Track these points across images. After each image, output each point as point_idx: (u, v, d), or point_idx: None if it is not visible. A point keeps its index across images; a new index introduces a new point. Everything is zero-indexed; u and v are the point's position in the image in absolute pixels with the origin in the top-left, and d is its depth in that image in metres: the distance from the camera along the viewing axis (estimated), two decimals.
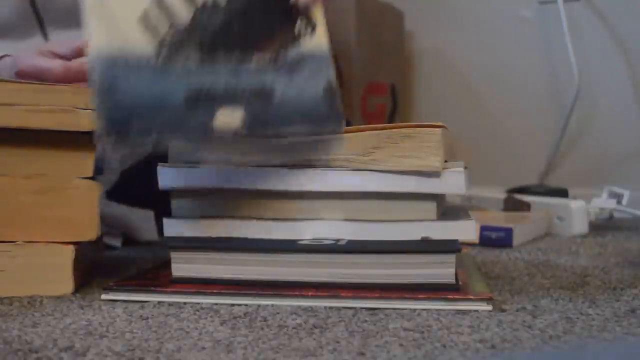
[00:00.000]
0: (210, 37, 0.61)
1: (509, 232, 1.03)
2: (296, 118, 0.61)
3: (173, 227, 0.66)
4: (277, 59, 0.62)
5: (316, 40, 0.63)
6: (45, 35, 0.97)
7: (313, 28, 0.63)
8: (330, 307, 0.60)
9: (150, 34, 0.59)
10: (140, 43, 0.59)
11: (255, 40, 0.62)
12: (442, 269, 0.61)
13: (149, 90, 0.58)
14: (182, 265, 0.64)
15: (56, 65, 0.78)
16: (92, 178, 0.66)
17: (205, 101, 0.59)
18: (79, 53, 0.80)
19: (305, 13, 0.64)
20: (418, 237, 0.62)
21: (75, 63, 0.79)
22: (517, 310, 0.60)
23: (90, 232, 0.66)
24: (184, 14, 0.61)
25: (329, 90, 0.62)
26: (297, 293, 0.61)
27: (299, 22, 0.63)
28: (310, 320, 0.55)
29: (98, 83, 0.58)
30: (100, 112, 0.57)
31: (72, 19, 0.94)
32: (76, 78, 0.80)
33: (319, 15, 0.64)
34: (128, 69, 0.58)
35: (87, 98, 0.65)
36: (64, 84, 0.68)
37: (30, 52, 0.81)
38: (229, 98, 0.60)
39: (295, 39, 0.63)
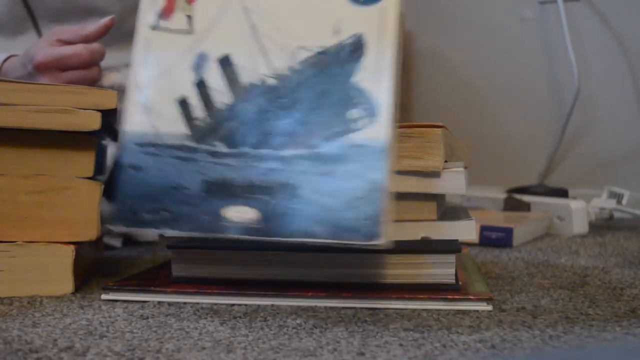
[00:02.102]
0: (243, 125, 0.57)
1: (509, 232, 1.03)
2: (321, 226, 0.53)
3: None
4: (317, 150, 0.55)
5: (374, 128, 0.54)
6: (39, 31, 0.97)
7: (373, 117, 0.55)
8: (330, 307, 0.60)
9: (185, 117, 0.58)
10: (173, 124, 0.58)
11: (296, 127, 0.56)
12: (442, 269, 0.61)
13: (171, 172, 0.57)
14: (182, 265, 0.64)
15: (80, 49, 0.80)
16: (92, 178, 0.67)
17: (223, 192, 0.56)
18: (86, 39, 0.81)
19: (367, 99, 0.55)
20: (418, 237, 0.62)
21: (95, 45, 0.81)
22: (517, 310, 0.60)
23: (90, 232, 0.66)
24: (224, 99, 0.58)
25: (372, 194, 0.53)
26: (297, 293, 0.61)
27: (358, 108, 0.55)
28: (310, 320, 0.55)
29: (124, 161, 0.58)
30: (118, 190, 0.58)
31: (66, 14, 0.94)
32: (98, 59, 0.82)
33: (386, 104, 0.55)
34: (156, 149, 0.58)
35: (87, 98, 0.65)
36: (63, 84, 0.69)
37: (38, 45, 0.81)
38: (248, 191, 0.56)
39: (347, 125, 0.55)
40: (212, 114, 0.58)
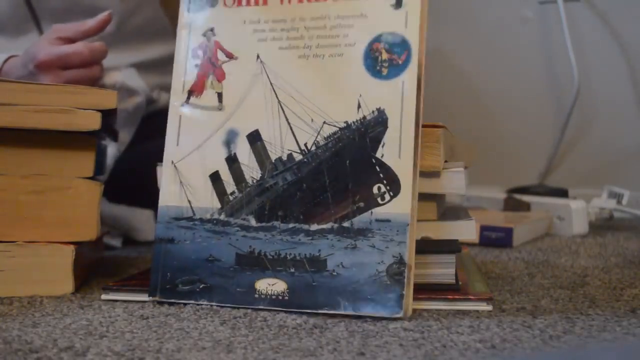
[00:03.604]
0: (271, 199, 0.60)
1: (509, 232, 1.03)
2: (345, 298, 0.56)
3: None
4: (343, 224, 0.58)
5: (397, 204, 0.57)
6: (41, 32, 0.97)
7: (397, 192, 0.57)
8: None
9: (217, 191, 0.61)
10: (206, 199, 0.61)
11: (322, 202, 0.59)
12: (442, 269, 0.61)
13: (205, 245, 0.60)
14: None
15: (80, 47, 0.80)
16: (92, 178, 0.67)
17: (254, 265, 0.59)
18: (86, 35, 0.81)
19: (390, 174, 0.57)
20: (418, 237, 0.62)
21: (96, 44, 0.81)
22: (517, 310, 0.60)
23: (90, 232, 0.66)
24: (253, 174, 0.61)
25: (395, 270, 0.56)
26: None
27: (381, 183, 0.57)
28: (310, 320, 0.55)
29: (160, 234, 0.61)
30: (155, 262, 0.61)
31: (68, 14, 0.94)
32: (99, 57, 0.82)
33: (407, 178, 0.57)
34: (191, 222, 0.61)
35: (87, 98, 0.65)
36: (63, 84, 0.69)
37: (39, 44, 0.81)
38: (277, 263, 0.58)
39: (371, 200, 0.57)
40: (242, 188, 0.61)
